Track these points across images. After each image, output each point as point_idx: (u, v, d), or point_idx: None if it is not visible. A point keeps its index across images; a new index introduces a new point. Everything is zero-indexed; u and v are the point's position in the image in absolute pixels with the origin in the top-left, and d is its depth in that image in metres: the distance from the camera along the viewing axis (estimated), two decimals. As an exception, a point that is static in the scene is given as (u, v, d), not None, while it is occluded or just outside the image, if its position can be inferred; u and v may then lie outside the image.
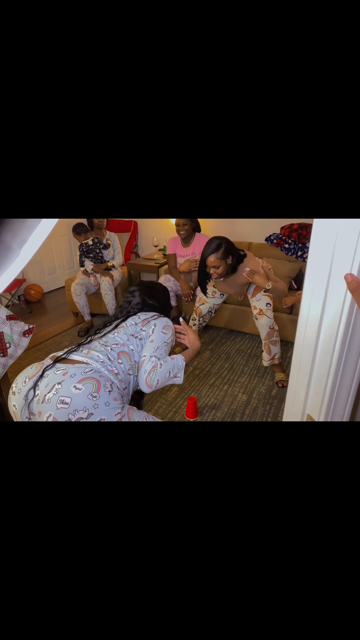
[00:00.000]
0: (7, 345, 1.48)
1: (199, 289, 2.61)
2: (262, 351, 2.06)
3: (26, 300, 3.62)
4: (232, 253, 1.87)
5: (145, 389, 1.06)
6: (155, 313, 1.24)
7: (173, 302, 2.77)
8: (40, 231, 0.36)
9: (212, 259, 1.84)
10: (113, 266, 2.91)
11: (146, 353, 1.09)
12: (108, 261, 2.92)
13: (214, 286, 2.22)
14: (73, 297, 2.77)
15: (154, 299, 1.33)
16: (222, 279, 2.03)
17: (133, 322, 1.18)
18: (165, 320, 1.19)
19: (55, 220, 0.36)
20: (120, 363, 1.04)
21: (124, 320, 1.22)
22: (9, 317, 1.49)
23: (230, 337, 2.68)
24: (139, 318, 1.20)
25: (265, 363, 2.07)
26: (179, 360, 1.12)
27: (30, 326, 1.58)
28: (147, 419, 1.03)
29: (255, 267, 1.92)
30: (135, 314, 1.24)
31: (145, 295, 1.32)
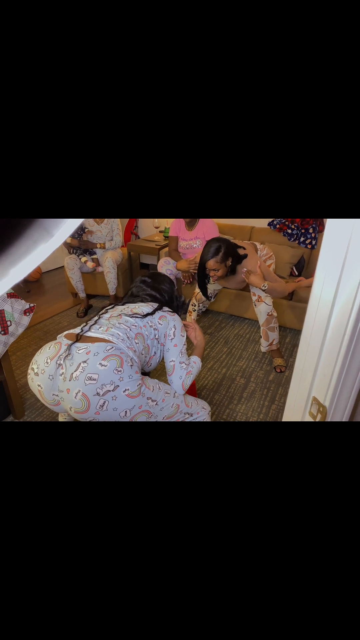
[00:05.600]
0: (8, 323, 1.47)
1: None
2: (260, 337, 2.07)
3: (24, 279, 3.58)
4: (231, 255, 1.82)
5: (181, 391, 1.19)
6: (168, 309, 1.30)
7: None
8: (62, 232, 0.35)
9: (211, 263, 1.81)
10: (103, 247, 2.82)
11: (174, 358, 1.19)
12: (102, 243, 2.84)
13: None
14: (67, 271, 2.72)
15: (163, 291, 1.38)
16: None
17: (149, 310, 1.21)
18: (179, 320, 1.26)
19: (80, 220, 0.35)
20: (137, 343, 1.09)
21: (134, 303, 1.28)
22: (9, 295, 1.48)
23: (230, 322, 2.68)
24: (152, 307, 1.24)
25: (263, 349, 2.08)
26: (199, 362, 1.26)
27: (31, 305, 1.56)
28: (159, 385, 1.10)
29: (253, 266, 1.88)
30: (146, 301, 1.31)
31: (156, 284, 1.38)
